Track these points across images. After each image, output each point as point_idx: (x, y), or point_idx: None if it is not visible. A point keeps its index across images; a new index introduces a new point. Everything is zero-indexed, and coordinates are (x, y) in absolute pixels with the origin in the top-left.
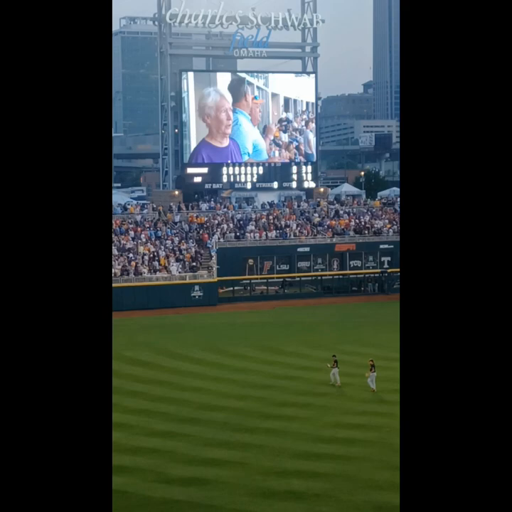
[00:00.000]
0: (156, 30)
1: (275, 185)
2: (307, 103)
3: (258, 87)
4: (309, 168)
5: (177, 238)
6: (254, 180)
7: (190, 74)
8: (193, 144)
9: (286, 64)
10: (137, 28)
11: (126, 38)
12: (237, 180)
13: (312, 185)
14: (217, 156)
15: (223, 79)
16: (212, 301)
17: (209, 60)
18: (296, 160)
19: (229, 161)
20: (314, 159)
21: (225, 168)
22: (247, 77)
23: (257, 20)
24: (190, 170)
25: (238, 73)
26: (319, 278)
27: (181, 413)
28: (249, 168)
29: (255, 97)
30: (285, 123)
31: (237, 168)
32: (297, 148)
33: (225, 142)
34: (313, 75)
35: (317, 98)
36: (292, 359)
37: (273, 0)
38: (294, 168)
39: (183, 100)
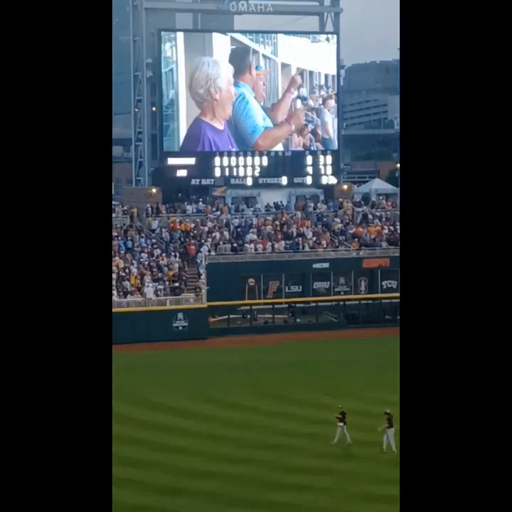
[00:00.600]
0: None
1: (284, 180)
2: (326, 75)
3: (264, 56)
4: (329, 158)
5: (157, 250)
6: (256, 174)
7: (180, 36)
8: (183, 128)
9: (298, 22)
10: None
11: None
12: (234, 174)
13: (332, 180)
14: (221, 141)
15: (221, 43)
16: (200, 333)
17: (197, 16)
18: (312, 148)
19: (232, 148)
20: (335, 147)
21: (217, 159)
22: (251, 44)
23: None
24: (171, 161)
25: (238, 35)
26: (342, 303)
27: (161, 481)
28: (249, 158)
29: (257, 67)
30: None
31: (233, 159)
32: (313, 132)
33: (223, 124)
34: (335, 37)
35: (339, 67)
36: (306, 410)
37: None
38: (309, 159)
39: (172, 71)
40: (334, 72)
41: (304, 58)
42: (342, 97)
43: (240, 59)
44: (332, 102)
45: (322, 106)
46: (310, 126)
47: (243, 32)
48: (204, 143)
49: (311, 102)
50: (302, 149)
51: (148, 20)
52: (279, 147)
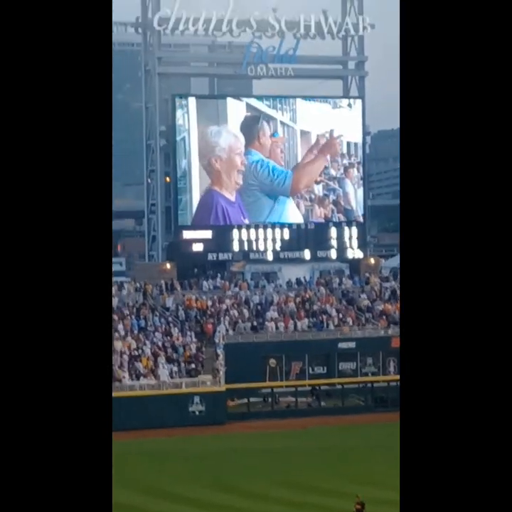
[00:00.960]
0: (139, 41)
1: (307, 255)
2: (348, 143)
3: (282, 123)
4: (354, 230)
5: (174, 330)
6: (278, 248)
7: (192, 102)
8: (196, 200)
9: (321, 86)
10: (114, 38)
11: None
12: (254, 248)
13: (359, 254)
14: (233, 212)
15: (235, 109)
16: (218, 418)
17: (213, 81)
18: (333, 219)
19: (244, 220)
20: (359, 218)
21: (235, 232)
22: (267, 110)
23: (280, 26)
24: (187, 234)
25: (254, 101)
26: (369, 385)
27: None
28: (269, 231)
29: (274, 134)
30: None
31: (252, 232)
32: (335, 203)
33: (233, 196)
34: (359, 102)
35: (365, 134)
36: (330, 500)
37: None
38: (333, 231)
39: (184, 140)
40: (357, 139)
41: (324, 125)
42: (368, 166)
43: (251, 126)
44: (354, 171)
45: (343, 175)
46: (331, 197)
47: (259, 97)
48: (217, 212)
49: (332, 171)
50: (324, 221)
51: (161, 86)
52: (300, 219)
